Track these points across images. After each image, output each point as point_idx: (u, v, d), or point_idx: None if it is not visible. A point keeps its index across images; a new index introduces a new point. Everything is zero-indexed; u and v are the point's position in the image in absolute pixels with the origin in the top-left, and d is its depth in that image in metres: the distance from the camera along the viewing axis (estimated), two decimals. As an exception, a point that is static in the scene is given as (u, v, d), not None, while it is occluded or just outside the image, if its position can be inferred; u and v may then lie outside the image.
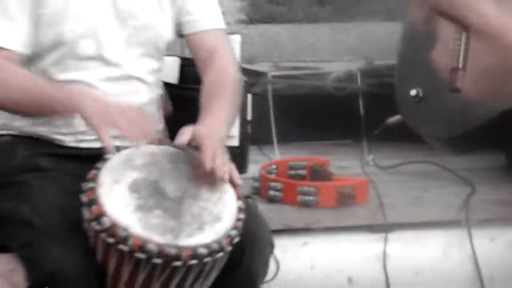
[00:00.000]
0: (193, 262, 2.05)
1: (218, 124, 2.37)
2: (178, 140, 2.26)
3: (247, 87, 3.16)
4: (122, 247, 2.02)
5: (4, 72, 2.48)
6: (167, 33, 2.70)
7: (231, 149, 2.79)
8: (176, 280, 2.15)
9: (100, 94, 2.47)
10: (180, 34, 2.71)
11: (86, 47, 2.53)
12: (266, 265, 2.42)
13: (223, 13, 2.93)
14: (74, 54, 2.53)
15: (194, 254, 2.04)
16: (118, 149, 2.19)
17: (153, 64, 2.64)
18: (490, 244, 3.20)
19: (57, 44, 2.52)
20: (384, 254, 3.05)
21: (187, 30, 2.70)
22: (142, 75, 2.60)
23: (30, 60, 2.51)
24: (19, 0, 2.49)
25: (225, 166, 2.18)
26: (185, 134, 2.21)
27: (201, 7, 2.77)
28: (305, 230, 3.10)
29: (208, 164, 2.13)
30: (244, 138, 3.18)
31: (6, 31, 2.51)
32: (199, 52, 2.77)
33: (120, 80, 2.58)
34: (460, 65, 2.98)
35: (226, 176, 2.18)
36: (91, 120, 2.21)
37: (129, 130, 2.26)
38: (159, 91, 2.77)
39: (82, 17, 2.53)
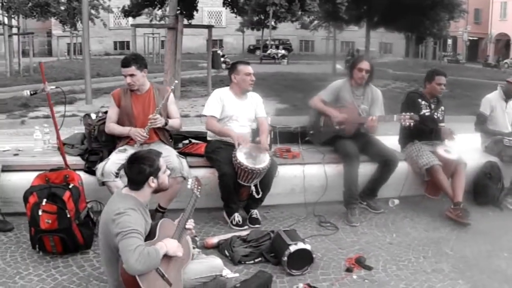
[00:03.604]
0: (258, 171, 5.47)
1: (266, 137, 5.97)
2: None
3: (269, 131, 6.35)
4: (241, 167, 5.44)
5: (214, 122, 5.87)
6: (253, 117, 6.13)
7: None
8: (254, 176, 5.50)
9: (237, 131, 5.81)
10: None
11: (235, 117, 5.96)
12: (275, 172, 5.82)
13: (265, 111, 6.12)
14: (231, 119, 5.95)
15: (259, 170, 5.47)
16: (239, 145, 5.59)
17: (250, 123, 6.14)
18: (332, 169, 6.36)
19: (225, 117, 5.93)
20: (304, 172, 6.28)
21: (256, 115, 6.16)
22: (247, 125, 6.12)
23: (219, 120, 5.91)
24: (217, 112, 5.93)
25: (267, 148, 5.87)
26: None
27: (260, 109, 6.15)
28: (284, 164, 6.26)
29: (266, 146, 5.89)
30: (270, 143, 6.31)
31: (214, 110, 5.91)
32: (258, 122, 6.19)
33: (243, 126, 6.01)
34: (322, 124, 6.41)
35: (269, 150, 6.01)
36: (234, 139, 5.65)
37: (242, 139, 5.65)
38: (251, 130, 6.23)
39: (235, 111, 5.94)
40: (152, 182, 3.83)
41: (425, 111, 6.59)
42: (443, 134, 6.67)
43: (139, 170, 3.78)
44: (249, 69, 5.99)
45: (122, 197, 3.81)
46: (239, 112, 6.01)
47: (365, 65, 6.40)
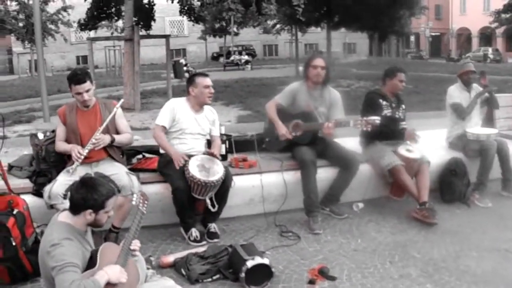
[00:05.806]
0: (212, 184, 5.23)
1: (218, 151, 5.65)
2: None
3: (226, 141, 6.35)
4: (194, 180, 5.20)
5: (160, 133, 5.62)
6: (207, 131, 5.83)
7: (223, 156, 6.04)
8: (208, 189, 5.27)
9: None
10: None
11: (189, 130, 5.67)
12: (230, 183, 5.52)
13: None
14: (184, 133, 5.68)
15: (213, 182, 5.23)
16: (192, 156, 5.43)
17: (204, 136, 5.81)
18: (291, 176, 6.12)
19: (178, 130, 5.66)
20: (261, 181, 6.06)
21: (210, 132, 5.88)
22: (201, 138, 5.79)
23: (171, 133, 5.67)
24: (166, 122, 5.64)
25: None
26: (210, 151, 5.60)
27: (215, 127, 5.93)
28: (241, 174, 6.06)
29: (217, 156, 5.63)
30: (226, 153, 6.23)
31: (163, 120, 5.67)
32: (211, 139, 5.90)
33: (197, 138, 5.73)
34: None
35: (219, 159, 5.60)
36: (174, 159, 5.39)
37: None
38: (205, 141, 5.91)
39: (188, 124, 5.67)
40: (89, 215, 3.61)
41: (387, 111, 6.44)
42: (407, 136, 6.52)
43: (83, 197, 3.57)
44: (208, 81, 5.77)
45: (57, 226, 3.59)
46: (193, 126, 5.78)
47: (319, 61, 6.25)
